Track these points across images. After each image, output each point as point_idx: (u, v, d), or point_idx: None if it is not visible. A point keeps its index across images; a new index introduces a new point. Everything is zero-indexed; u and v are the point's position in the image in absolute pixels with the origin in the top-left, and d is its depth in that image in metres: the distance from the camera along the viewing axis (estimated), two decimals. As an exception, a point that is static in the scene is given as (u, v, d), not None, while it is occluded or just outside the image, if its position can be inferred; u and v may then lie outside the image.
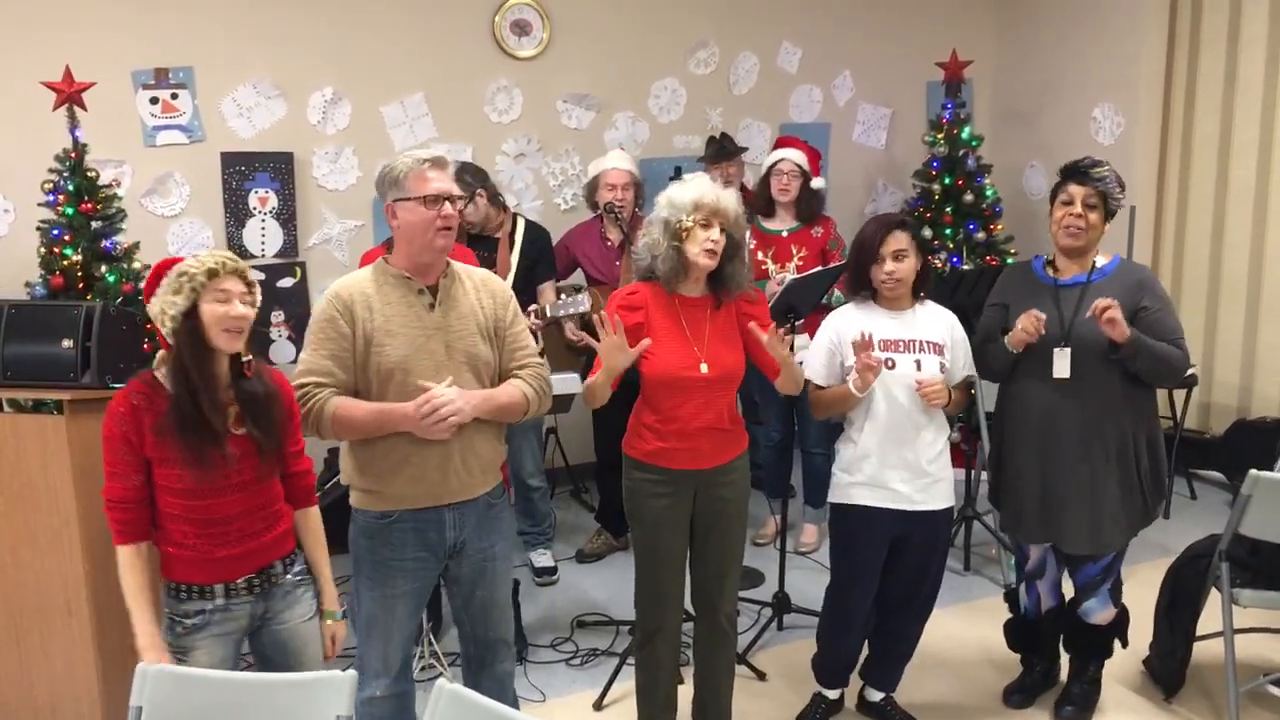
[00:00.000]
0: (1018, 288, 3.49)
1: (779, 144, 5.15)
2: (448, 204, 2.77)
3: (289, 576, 2.74)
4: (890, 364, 3.30)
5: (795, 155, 4.93)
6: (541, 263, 4.66)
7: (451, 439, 2.78)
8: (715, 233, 3.04)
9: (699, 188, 3.08)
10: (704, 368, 3.08)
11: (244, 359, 2.61)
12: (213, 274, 2.53)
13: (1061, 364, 3.33)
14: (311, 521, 2.85)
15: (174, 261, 2.57)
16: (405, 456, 2.79)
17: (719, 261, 3.08)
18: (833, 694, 3.72)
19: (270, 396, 2.65)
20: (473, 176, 4.43)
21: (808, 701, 3.75)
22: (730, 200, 3.08)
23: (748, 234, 4.76)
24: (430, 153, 2.83)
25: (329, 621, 2.83)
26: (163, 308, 2.53)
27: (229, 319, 2.54)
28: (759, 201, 5.01)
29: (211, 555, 2.60)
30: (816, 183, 4.99)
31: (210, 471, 2.55)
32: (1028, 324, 3.27)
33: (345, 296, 2.79)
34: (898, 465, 3.32)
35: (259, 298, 2.65)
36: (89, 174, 4.45)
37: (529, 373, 2.94)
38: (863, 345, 3.19)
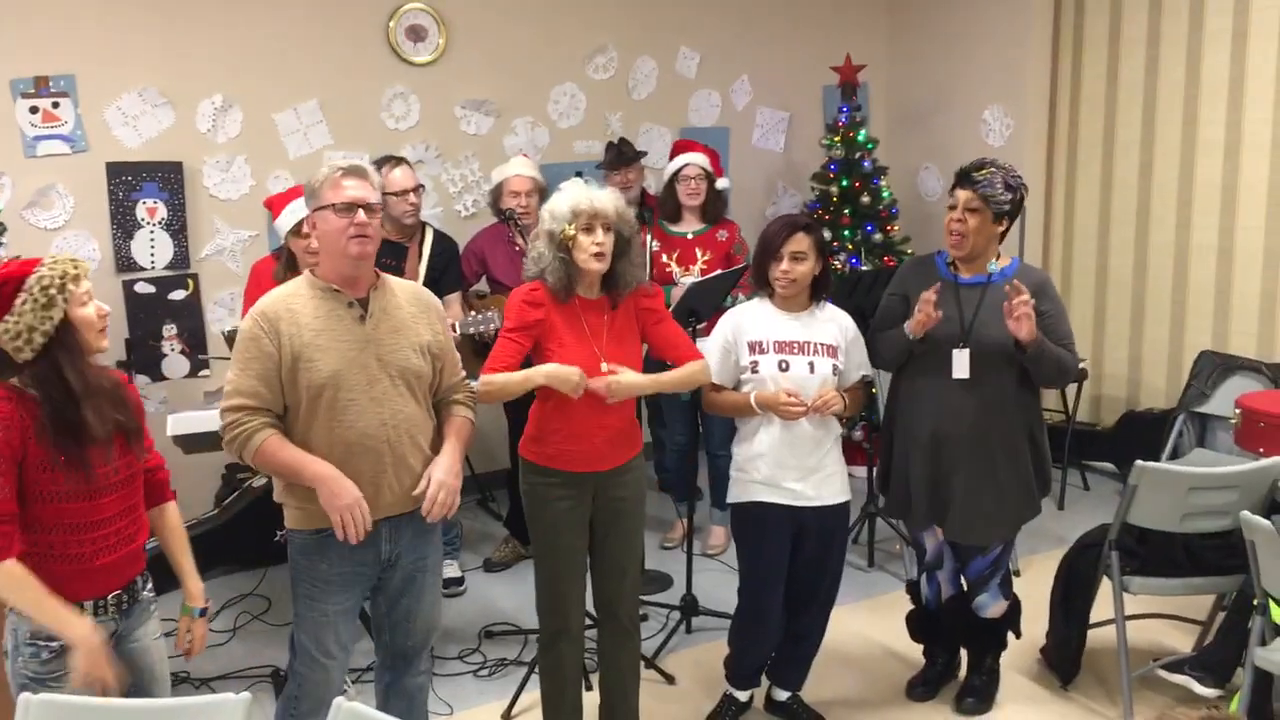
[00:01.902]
0: (919, 281, 3.52)
1: (678, 148, 5.17)
2: (362, 212, 2.73)
3: (145, 593, 2.71)
4: (784, 365, 3.34)
5: (699, 159, 4.98)
6: (448, 274, 4.61)
7: (385, 457, 2.78)
8: (599, 235, 3.05)
9: (573, 194, 3.09)
10: (604, 368, 3.09)
11: None
12: (76, 279, 2.51)
13: (960, 364, 3.38)
14: (170, 517, 2.82)
15: (6, 279, 2.47)
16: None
17: (609, 262, 3.10)
18: (743, 695, 3.74)
19: (118, 384, 2.63)
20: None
21: (717, 703, 3.76)
22: (607, 199, 3.09)
23: (650, 238, 4.82)
24: (350, 162, 2.82)
25: (186, 617, 2.78)
26: (30, 325, 2.44)
27: (100, 320, 2.54)
28: (665, 206, 5.04)
29: (92, 564, 2.53)
30: (721, 183, 5.05)
31: (94, 472, 2.50)
32: (925, 310, 3.30)
33: (270, 313, 2.75)
34: (790, 463, 3.37)
35: None
36: (-35, 186, 4.30)
37: (467, 396, 3.01)
38: (788, 400, 3.27)
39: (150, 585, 2.75)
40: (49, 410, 2.45)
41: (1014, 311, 3.22)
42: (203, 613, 2.81)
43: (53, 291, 2.45)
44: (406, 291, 2.93)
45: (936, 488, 3.49)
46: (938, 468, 3.47)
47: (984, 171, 3.38)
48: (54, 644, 2.51)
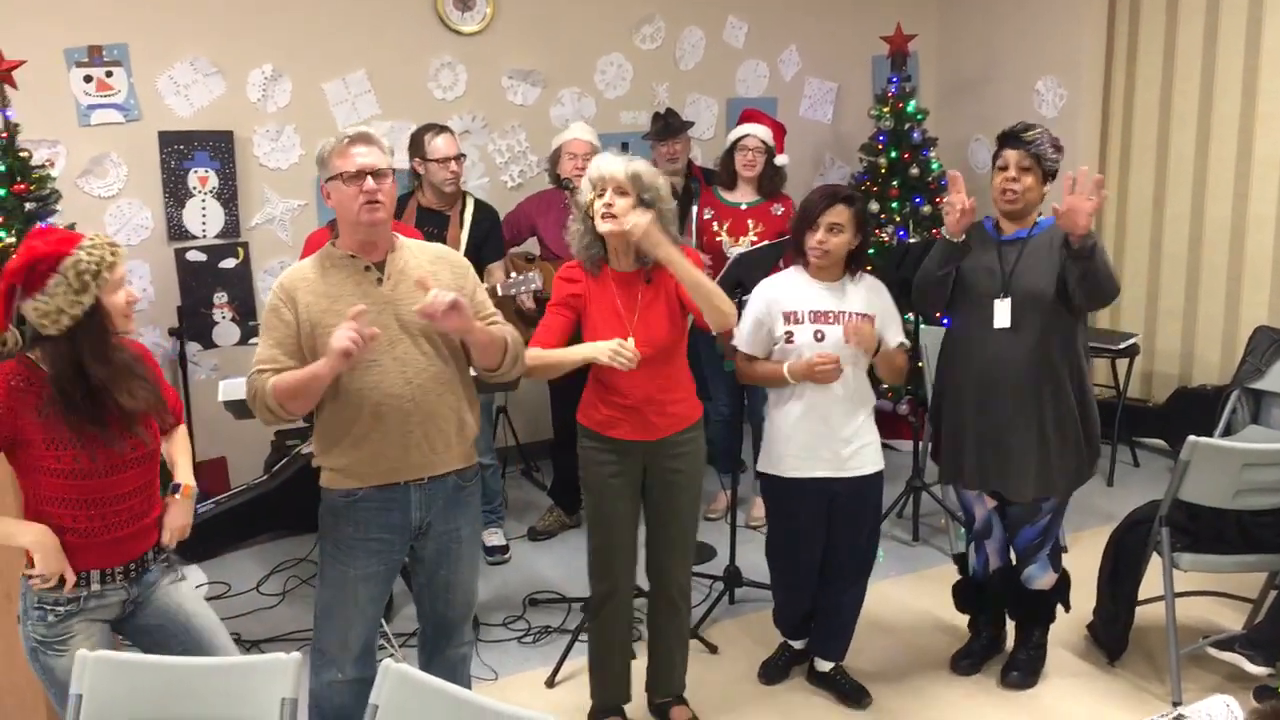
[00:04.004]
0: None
1: (744, 117, 5.15)
2: (370, 179, 2.73)
3: (155, 565, 2.74)
4: (820, 336, 3.35)
5: (761, 131, 4.95)
6: (490, 242, 4.62)
7: (412, 416, 2.77)
8: (607, 196, 3.05)
9: (594, 165, 3.12)
10: (631, 342, 3.09)
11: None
12: (111, 266, 2.51)
13: (1002, 313, 3.39)
14: (179, 435, 2.90)
15: (42, 258, 2.47)
16: (365, 432, 2.79)
17: (621, 224, 3.04)
18: (797, 644, 3.80)
19: (138, 359, 2.66)
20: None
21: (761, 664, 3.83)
22: (619, 164, 3.08)
23: (698, 206, 4.80)
24: (356, 128, 2.81)
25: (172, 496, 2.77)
26: (60, 307, 2.45)
27: (128, 306, 2.56)
28: (722, 174, 5.04)
29: (99, 539, 2.57)
30: (780, 159, 5.03)
31: (115, 449, 2.53)
32: (959, 200, 3.29)
33: (289, 285, 2.81)
34: (824, 433, 3.39)
35: None
36: (21, 154, 4.34)
37: (504, 328, 2.92)
38: (820, 362, 3.26)
39: (162, 557, 2.77)
40: (56, 389, 2.47)
41: (1079, 202, 3.14)
42: (176, 489, 2.77)
43: (87, 278, 2.46)
44: (427, 251, 2.95)
45: (987, 443, 3.47)
46: (987, 421, 3.46)
47: (1033, 132, 3.38)
48: (60, 608, 2.55)
